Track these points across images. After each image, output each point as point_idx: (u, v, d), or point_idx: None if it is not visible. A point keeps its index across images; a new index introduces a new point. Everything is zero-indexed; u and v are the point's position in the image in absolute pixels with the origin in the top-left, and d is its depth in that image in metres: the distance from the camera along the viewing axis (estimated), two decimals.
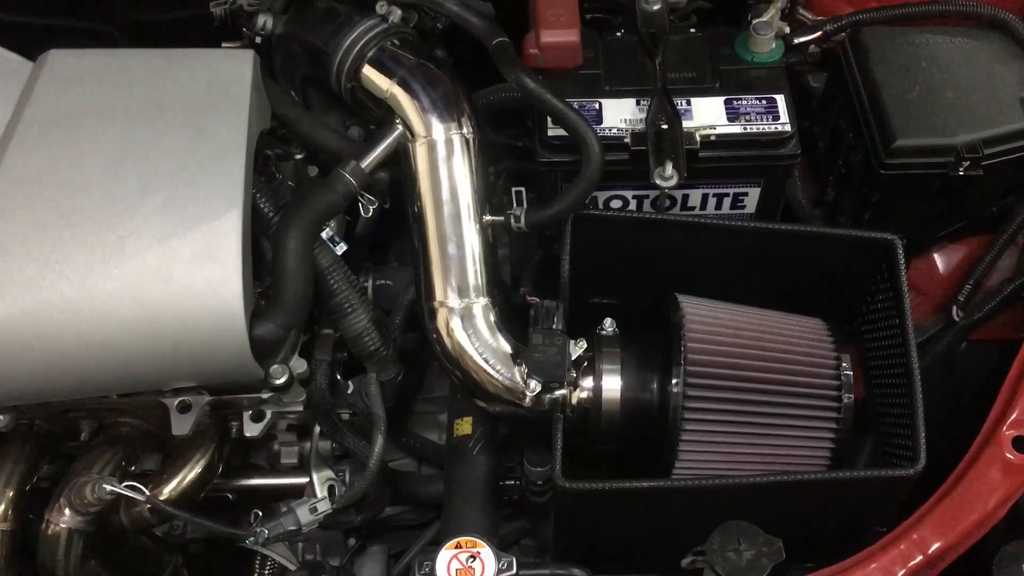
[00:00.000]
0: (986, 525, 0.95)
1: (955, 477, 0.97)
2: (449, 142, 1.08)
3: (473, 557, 0.93)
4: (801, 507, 1.00)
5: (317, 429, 1.20)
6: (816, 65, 1.32)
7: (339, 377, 1.20)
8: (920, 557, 0.95)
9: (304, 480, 1.20)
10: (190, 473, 1.18)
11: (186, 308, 0.98)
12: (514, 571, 0.93)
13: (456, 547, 0.94)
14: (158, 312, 0.98)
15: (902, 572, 0.95)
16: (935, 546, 0.95)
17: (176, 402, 1.07)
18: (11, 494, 1.14)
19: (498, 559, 0.93)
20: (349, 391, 1.19)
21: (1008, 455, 0.96)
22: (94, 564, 1.14)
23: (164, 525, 1.24)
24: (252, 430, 1.14)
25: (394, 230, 1.41)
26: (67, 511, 1.11)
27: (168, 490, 1.17)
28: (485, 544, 0.93)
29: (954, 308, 1.23)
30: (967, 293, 1.22)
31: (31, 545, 1.13)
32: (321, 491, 1.16)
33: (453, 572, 0.92)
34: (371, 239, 1.32)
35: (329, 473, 1.18)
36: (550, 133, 1.11)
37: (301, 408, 1.15)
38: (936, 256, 1.29)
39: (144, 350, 0.99)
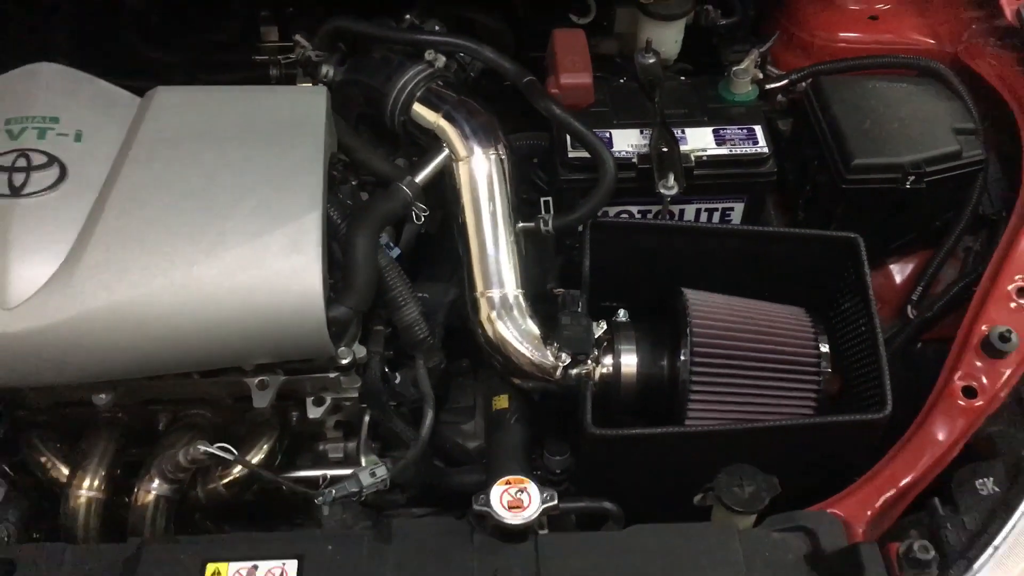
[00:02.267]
0: (945, 460, 1.11)
1: (916, 424, 1.15)
2: (487, 159, 1.28)
3: (521, 491, 1.08)
4: (792, 451, 1.16)
5: (366, 419, 1.35)
6: (783, 112, 1.55)
7: (387, 370, 1.36)
8: (893, 490, 1.12)
9: (349, 472, 1.34)
10: (254, 459, 1.32)
11: (274, 292, 1.14)
12: (556, 501, 1.07)
13: (506, 483, 1.08)
14: (251, 295, 1.14)
15: (879, 502, 1.11)
16: (904, 480, 1.12)
17: (256, 381, 1.23)
18: (104, 469, 1.28)
19: (542, 491, 1.08)
20: (397, 381, 1.35)
21: (960, 402, 1.13)
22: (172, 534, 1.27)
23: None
24: (314, 412, 1.29)
25: (423, 257, 1.60)
26: (156, 480, 1.25)
27: (236, 472, 1.32)
28: (530, 480, 1.08)
29: (908, 308, 1.43)
30: (919, 294, 1.42)
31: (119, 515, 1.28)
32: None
33: (505, 502, 1.07)
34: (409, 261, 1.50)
35: (375, 458, 1.33)
36: (570, 155, 1.31)
37: (356, 394, 1.30)
38: (892, 268, 1.50)
39: (238, 327, 1.15)
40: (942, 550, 1.00)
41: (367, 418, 1.35)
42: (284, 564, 1.03)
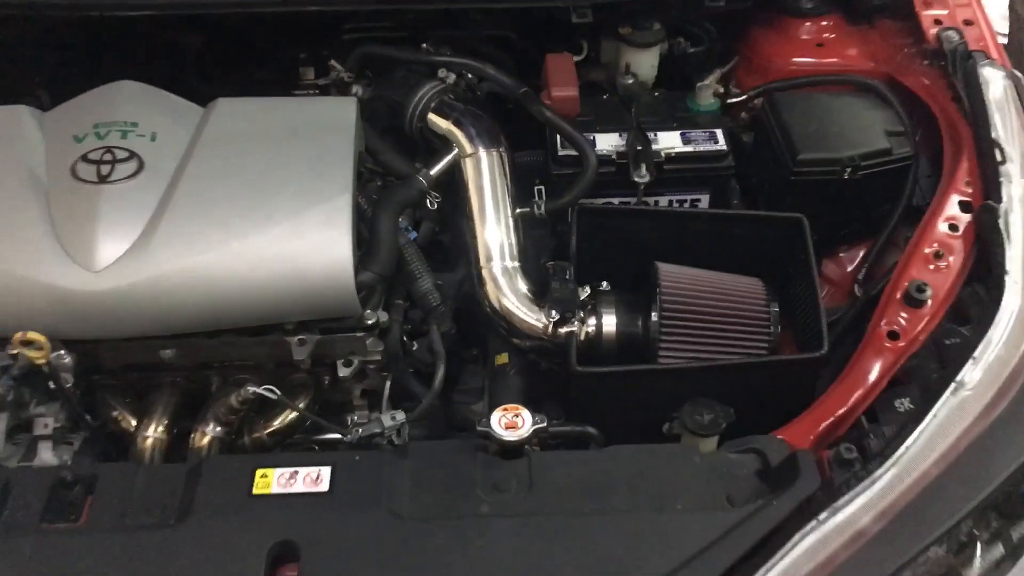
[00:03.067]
0: (874, 392, 1.30)
1: (851, 364, 1.34)
2: (489, 156, 1.51)
3: (516, 415, 1.27)
4: (746, 387, 1.36)
5: (388, 384, 1.56)
6: (747, 128, 1.78)
7: (405, 339, 1.57)
8: (831, 419, 1.31)
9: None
10: (288, 417, 1.53)
11: (313, 259, 1.37)
12: (545, 424, 1.27)
13: (503, 410, 1.28)
14: (293, 261, 1.36)
15: (819, 428, 1.30)
16: (840, 410, 1.31)
17: (296, 339, 1.44)
18: (167, 419, 1.48)
19: (534, 416, 1.28)
20: (414, 348, 1.57)
21: (886, 344, 1.33)
22: None
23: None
24: (343, 372, 1.49)
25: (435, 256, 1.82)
26: (211, 423, 1.46)
27: (277, 423, 1.52)
28: (523, 408, 1.28)
29: (856, 287, 1.63)
30: (864, 274, 1.62)
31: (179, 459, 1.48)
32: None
33: (502, 424, 1.26)
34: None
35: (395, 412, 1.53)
36: (560, 153, 1.55)
37: (380, 357, 1.51)
38: (842, 256, 1.71)
39: (282, 287, 1.37)
40: (865, 453, 1.20)
41: (388, 384, 1.56)
42: (320, 470, 1.23)
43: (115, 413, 1.51)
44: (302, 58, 1.92)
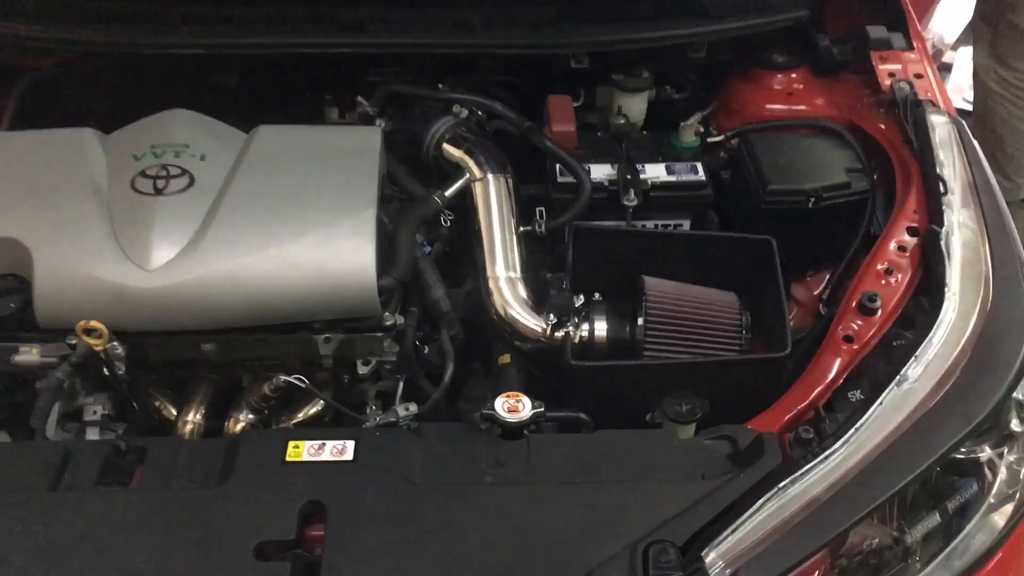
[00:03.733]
0: (830, 388, 1.47)
1: (811, 365, 1.51)
2: (497, 181, 1.71)
3: (517, 400, 1.43)
4: (721, 382, 1.52)
5: (401, 385, 1.72)
6: (724, 166, 1.97)
7: (417, 344, 1.74)
8: (793, 412, 1.47)
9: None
10: (311, 409, 1.69)
11: (341, 264, 1.54)
12: (542, 408, 1.43)
13: (506, 396, 1.44)
14: (323, 265, 1.53)
15: (785, 418, 1.46)
16: (802, 404, 1.47)
17: (323, 337, 1.61)
18: (204, 408, 1.65)
19: (533, 403, 1.44)
20: (425, 352, 1.73)
21: (842, 347, 1.50)
22: None
23: None
24: (363, 370, 1.65)
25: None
26: (245, 410, 1.62)
27: (301, 415, 1.68)
28: (524, 395, 1.45)
29: (820, 306, 1.81)
30: (828, 294, 1.80)
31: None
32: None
33: (505, 408, 1.42)
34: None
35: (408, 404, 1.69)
36: (559, 180, 1.74)
37: (395, 357, 1.67)
38: (808, 280, 1.89)
39: (313, 288, 1.53)
40: (821, 435, 1.36)
41: (401, 385, 1.72)
42: (345, 443, 1.39)
43: (157, 403, 1.68)
44: (327, 99, 2.12)
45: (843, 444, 1.31)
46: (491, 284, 1.64)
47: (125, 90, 1.99)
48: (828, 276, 1.85)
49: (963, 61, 3.78)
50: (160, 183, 1.59)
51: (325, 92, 2.10)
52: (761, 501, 1.26)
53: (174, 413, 1.65)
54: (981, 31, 3.25)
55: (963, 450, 1.42)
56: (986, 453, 1.44)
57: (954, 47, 4.61)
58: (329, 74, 2.06)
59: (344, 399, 1.68)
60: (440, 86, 1.89)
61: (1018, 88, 3.13)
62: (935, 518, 1.34)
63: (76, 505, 1.31)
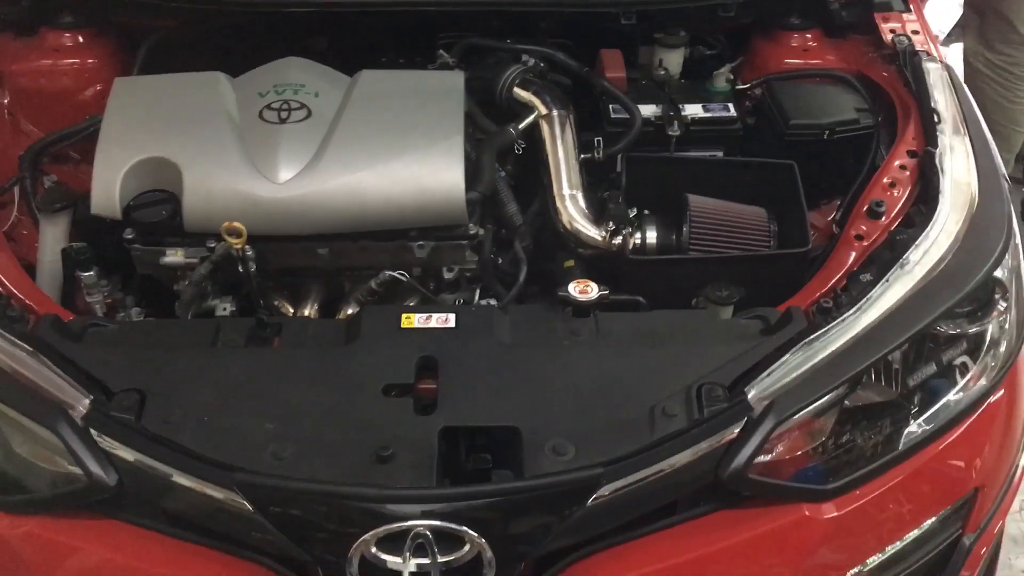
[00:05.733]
0: (843, 278, 1.74)
1: (829, 260, 1.78)
2: (561, 118, 1.99)
3: (587, 285, 1.70)
4: (752, 274, 1.80)
5: (478, 292, 1.99)
6: (750, 113, 2.25)
7: (493, 255, 2.02)
8: (816, 295, 1.74)
9: None
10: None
11: (434, 178, 1.79)
12: (608, 291, 1.70)
13: (577, 282, 1.70)
14: (421, 180, 1.79)
15: (805, 304, 1.73)
16: (820, 292, 1.74)
17: (417, 244, 1.88)
18: (316, 304, 1.92)
19: (599, 286, 1.71)
20: (500, 262, 2.01)
21: (854, 243, 1.77)
22: None
23: None
24: (448, 275, 1.92)
25: None
26: (353, 304, 1.89)
27: None
28: (591, 281, 1.72)
29: (833, 226, 2.08)
30: (840, 215, 2.07)
31: None
32: None
33: (577, 290, 1.69)
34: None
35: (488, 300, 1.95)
36: (613, 116, 2.03)
37: (475, 266, 1.94)
38: (823, 208, 2.15)
39: (412, 199, 1.78)
40: (838, 305, 1.63)
41: (478, 292, 2.00)
42: (447, 314, 1.66)
43: (276, 302, 1.95)
44: (401, 62, 2.41)
45: (856, 310, 1.58)
46: (558, 202, 1.92)
47: (231, 52, 2.28)
48: (839, 203, 2.13)
49: (955, 55, 4.09)
50: (283, 114, 1.87)
51: (400, 56, 2.39)
52: (792, 352, 1.53)
53: (291, 310, 1.93)
54: (971, 19, 3.58)
55: (954, 327, 1.69)
56: (974, 328, 1.71)
57: (945, 42, 4.91)
58: (405, 38, 2.35)
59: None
60: (508, 41, 2.18)
61: (1003, 69, 3.44)
62: (931, 367, 1.61)
63: (233, 358, 1.58)
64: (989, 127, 3.43)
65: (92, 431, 1.40)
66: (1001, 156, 3.06)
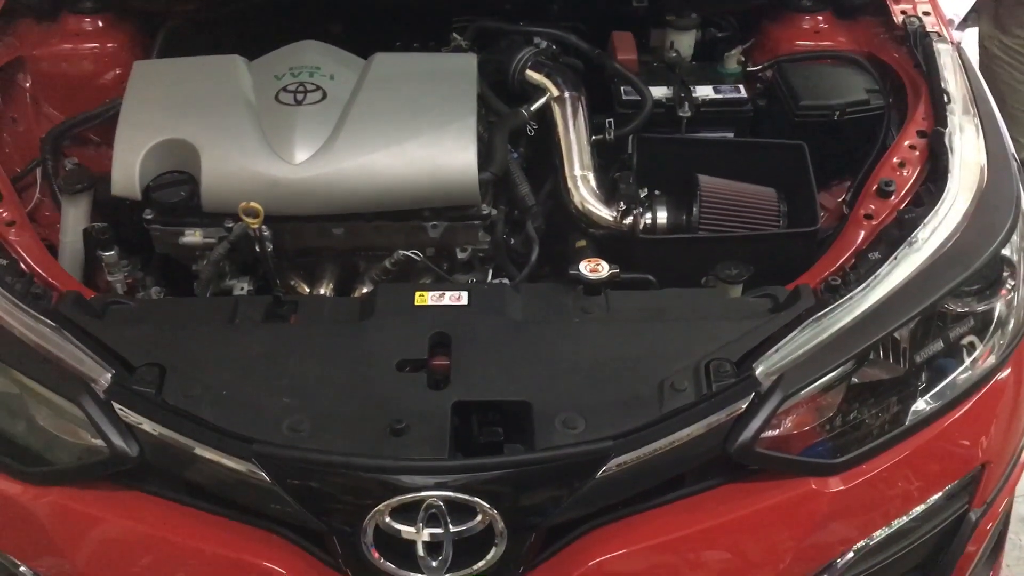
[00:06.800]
0: (852, 257, 1.75)
1: (838, 239, 1.79)
2: (573, 99, 2.00)
3: (597, 264, 1.70)
4: (762, 253, 1.81)
5: (491, 272, 2.01)
6: (760, 95, 2.26)
7: (505, 236, 2.03)
8: (824, 274, 1.74)
9: None
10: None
11: (448, 159, 1.81)
12: (618, 270, 1.71)
13: (588, 261, 1.71)
14: (434, 161, 1.81)
15: (814, 282, 1.74)
16: (830, 270, 1.75)
17: (431, 224, 1.90)
18: (332, 283, 1.95)
19: (609, 265, 1.72)
20: (512, 243, 2.02)
21: (863, 222, 1.78)
22: None
23: None
24: (461, 255, 1.95)
25: None
26: (368, 283, 1.92)
27: None
28: (602, 260, 1.73)
29: (843, 207, 2.08)
30: (851, 195, 2.07)
31: None
32: None
33: (588, 269, 1.70)
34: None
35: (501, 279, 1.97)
36: (624, 98, 2.04)
37: (487, 246, 1.96)
38: (833, 188, 2.16)
39: (426, 179, 1.80)
40: (846, 283, 1.64)
41: (491, 272, 2.01)
42: (460, 292, 1.67)
43: (292, 282, 1.97)
44: (415, 46, 2.43)
45: (864, 288, 1.58)
46: (570, 183, 1.93)
47: (248, 36, 2.30)
48: (849, 184, 2.13)
49: (970, 39, 4.07)
50: (299, 96, 1.89)
51: (414, 39, 2.40)
52: (800, 328, 1.54)
53: (307, 289, 1.95)
54: (986, 3, 3.55)
55: (962, 305, 1.70)
56: (982, 306, 1.71)
57: (961, 27, 4.88)
58: (418, 21, 2.36)
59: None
60: (520, 24, 2.18)
61: (1019, 53, 3.42)
62: (938, 344, 1.61)
63: (250, 334, 1.60)
64: (1004, 111, 3.44)
65: (114, 404, 1.42)
66: (1016, 140, 3.06)
